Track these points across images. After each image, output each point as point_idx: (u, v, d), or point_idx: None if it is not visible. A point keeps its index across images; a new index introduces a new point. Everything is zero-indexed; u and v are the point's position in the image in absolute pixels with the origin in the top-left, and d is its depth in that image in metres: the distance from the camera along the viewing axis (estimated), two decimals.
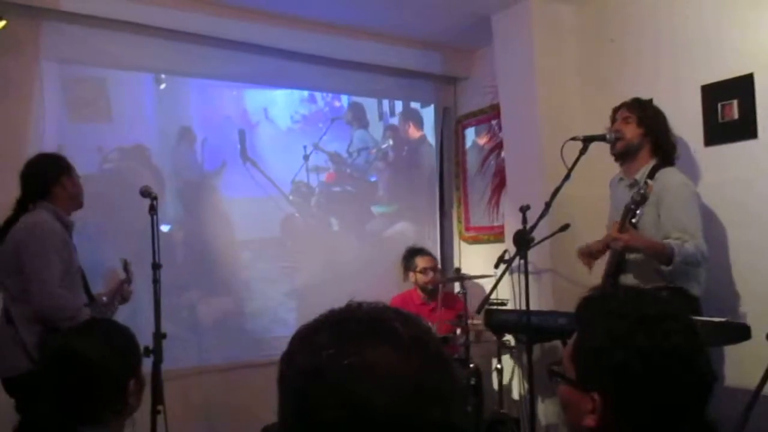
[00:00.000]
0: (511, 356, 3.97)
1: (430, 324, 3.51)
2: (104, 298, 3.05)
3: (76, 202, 2.94)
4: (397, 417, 0.73)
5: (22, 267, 2.70)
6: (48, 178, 2.86)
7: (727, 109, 3.15)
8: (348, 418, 0.72)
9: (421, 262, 4.27)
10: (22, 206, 2.83)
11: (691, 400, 1.07)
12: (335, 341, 0.76)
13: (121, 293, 3.11)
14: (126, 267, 3.14)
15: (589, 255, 3.17)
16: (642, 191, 2.58)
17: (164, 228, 3.74)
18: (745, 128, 3.08)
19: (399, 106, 5.01)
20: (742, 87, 3.08)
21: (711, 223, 3.09)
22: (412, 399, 0.74)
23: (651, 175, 2.86)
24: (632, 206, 2.60)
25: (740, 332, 2.61)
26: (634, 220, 2.62)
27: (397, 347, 0.76)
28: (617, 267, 2.89)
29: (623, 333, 1.06)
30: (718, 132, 3.19)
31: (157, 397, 2.79)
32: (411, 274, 4.30)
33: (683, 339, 1.06)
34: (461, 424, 0.78)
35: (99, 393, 1.48)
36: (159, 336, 2.84)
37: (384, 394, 0.73)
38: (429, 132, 4.98)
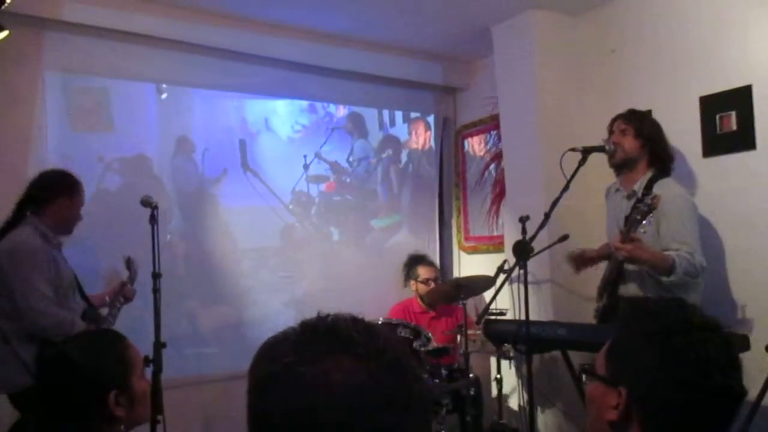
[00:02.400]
0: (511, 366, 3.96)
1: (429, 335, 3.51)
2: (107, 298, 3.04)
3: (65, 226, 2.92)
4: (346, 425, 0.74)
5: (10, 289, 2.71)
6: (45, 195, 2.86)
7: (726, 120, 3.17)
8: (296, 427, 0.74)
9: (423, 272, 4.26)
10: (19, 214, 2.84)
11: (716, 409, 1.07)
12: (293, 351, 0.78)
13: (123, 293, 3.09)
14: (129, 264, 3.14)
15: (580, 261, 3.18)
16: (648, 202, 2.57)
17: (165, 237, 3.75)
18: (744, 139, 3.10)
19: (399, 115, 5.03)
20: (741, 98, 3.10)
21: (709, 233, 3.10)
22: (362, 407, 0.75)
23: (649, 186, 2.87)
24: (638, 217, 2.59)
25: (739, 343, 2.61)
26: (642, 231, 2.62)
27: (353, 356, 0.77)
28: (617, 276, 2.90)
29: (660, 331, 1.08)
30: (716, 143, 3.21)
31: (157, 407, 2.78)
32: (412, 282, 4.29)
33: (719, 349, 1.07)
34: None
35: (76, 399, 1.46)
36: (159, 345, 2.84)
37: (333, 403, 0.74)
38: (430, 141, 5.00)
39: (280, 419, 0.75)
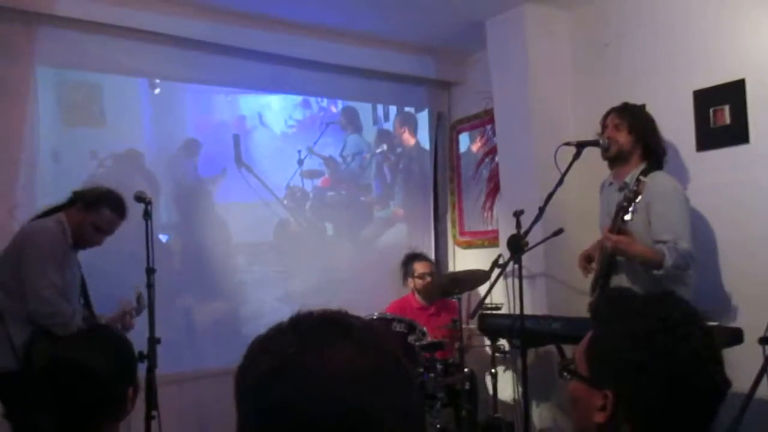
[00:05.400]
0: (505, 361, 3.97)
1: (425, 329, 3.51)
2: (103, 322, 3.03)
3: (78, 234, 2.91)
4: (360, 410, 0.74)
5: (21, 269, 2.73)
6: (71, 198, 2.90)
7: (719, 114, 3.17)
8: (308, 418, 0.73)
9: (419, 267, 4.27)
10: (54, 209, 2.90)
11: (704, 405, 1.07)
12: (295, 341, 0.77)
13: (123, 322, 3.08)
14: (139, 299, 3.11)
15: (587, 260, 3.19)
16: (634, 188, 2.59)
17: (159, 233, 3.74)
18: (737, 133, 3.10)
19: (393, 110, 5.02)
20: (734, 92, 3.11)
21: (703, 228, 3.12)
22: (369, 392, 0.75)
23: (640, 178, 2.87)
24: (624, 203, 2.62)
25: (733, 336, 2.63)
26: (627, 218, 2.63)
27: (356, 343, 0.78)
28: (608, 268, 2.90)
29: (643, 332, 1.07)
30: (710, 137, 3.21)
31: (152, 403, 2.78)
32: (409, 279, 4.30)
33: (702, 343, 1.07)
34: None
35: (102, 403, 1.48)
36: (153, 341, 2.85)
37: (342, 392, 0.74)
38: (423, 137, 4.99)
39: (293, 413, 0.73)
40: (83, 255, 3.09)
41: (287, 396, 0.74)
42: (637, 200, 2.59)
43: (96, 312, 3.08)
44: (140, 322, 2.95)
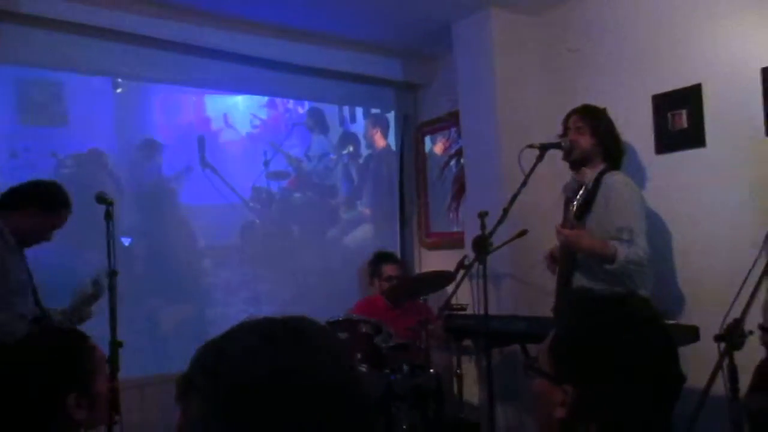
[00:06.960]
0: (471, 361, 4.00)
1: (391, 331, 3.52)
2: (60, 316, 2.95)
3: (23, 238, 2.78)
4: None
5: None
6: (16, 200, 2.77)
7: (677, 118, 3.26)
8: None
9: (387, 269, 4.23)
10: None
11: (661, 400, 1.10)
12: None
13: (79, 314, 2.98)
14: (94, 283, 2.98)
15: (552, 259, 3.24)
16: (577, 179, 2.66)
17: (121, 235, 3.68)
18: (694, 137, 3.19)
19: (360, 111, 5.03)
20: (691, 97, 3.19)
21: (660, 229, 3.20)
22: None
23: (598, 178, 2.94)
24: (570, 194, 2.70)
25: (689, 334, 2.69)
26: (572, 207, 2.72)
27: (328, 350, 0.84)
28: (569, 266, 2.95)
29: (604, 330, 1.10)
30: (668, 140, 3.30)
31: (114, 407, 2.73)
32: (375, 280, 4.28)
33: (660, 341, 1.11)
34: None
35: (28, 405, 1.42)
36: (115, 344, 2.80)
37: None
38: (389, 139, 5.01)
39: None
40: (45, 258, 3.02)
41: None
42: (581, 191, 2.68)
43: (49, 307, 2.94)
44: (102, 325, 2.89)
